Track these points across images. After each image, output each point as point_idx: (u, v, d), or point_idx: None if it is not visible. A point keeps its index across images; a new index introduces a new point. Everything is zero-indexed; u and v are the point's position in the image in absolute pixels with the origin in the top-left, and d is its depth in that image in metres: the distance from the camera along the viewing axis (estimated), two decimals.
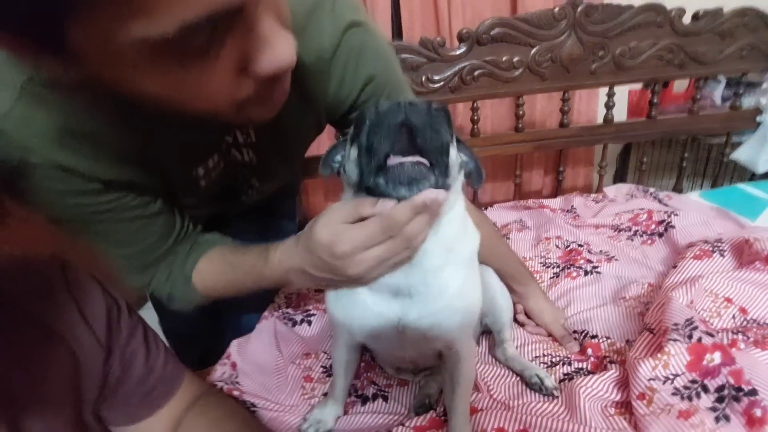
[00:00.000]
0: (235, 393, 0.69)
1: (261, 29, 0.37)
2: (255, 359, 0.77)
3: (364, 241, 0.46)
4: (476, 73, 1.16)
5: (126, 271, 0.63)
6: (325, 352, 0.81)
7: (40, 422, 0.43)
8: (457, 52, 1.13)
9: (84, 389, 0.48)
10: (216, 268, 0.64)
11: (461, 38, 1.13)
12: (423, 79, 1.16)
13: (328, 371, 0.77)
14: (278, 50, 0.39)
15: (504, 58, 1.14)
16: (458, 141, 0.54)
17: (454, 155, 0.50)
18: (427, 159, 0.44)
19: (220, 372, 0.78)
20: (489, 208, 1.30)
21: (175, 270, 0.64)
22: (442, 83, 1.16)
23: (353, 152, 0.48)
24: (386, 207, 0.45)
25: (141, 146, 0.53)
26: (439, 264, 0.52)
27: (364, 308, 0.55)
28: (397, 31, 1.70)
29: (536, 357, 0.74)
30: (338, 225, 0.48)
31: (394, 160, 0.44)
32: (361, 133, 0.46)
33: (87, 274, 0.52)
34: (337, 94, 0.64)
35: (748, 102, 1.36)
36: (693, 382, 0.57)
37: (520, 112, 1.24)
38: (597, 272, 0.94)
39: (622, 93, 1.78)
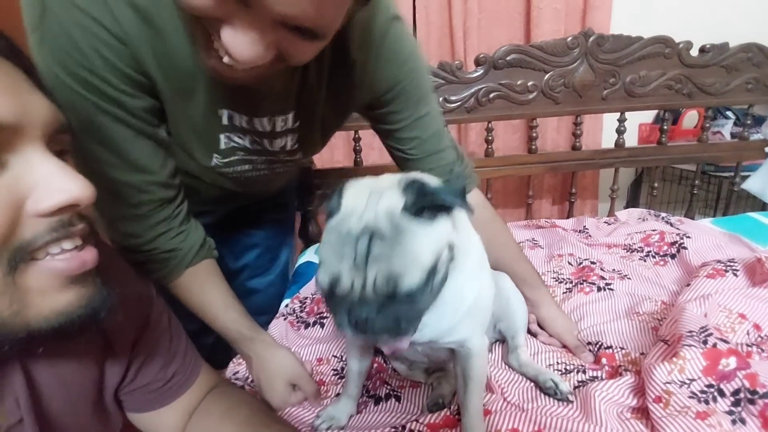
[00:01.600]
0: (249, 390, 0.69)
1: None
2: None
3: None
4: (492, 95, 1.21)
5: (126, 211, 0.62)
6: (336, 356, 0.81)
7: (65, 403, 0.44)
8: (474, 75, 1.19)
9: (108, 372, 0.49)
10: (206, 281, 0.69)
11: (478, 62, 1.19)
12: (440, 99, 1.21)
13: (339, 374, 0.77)
14: None
15: (519, 82, 1.20)
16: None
17: (440, 278, 0.45)
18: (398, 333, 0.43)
19: (233, 370, 0.79)
20: None
21: (184, 244, 0.66)
22: (458, 104, 1.21)
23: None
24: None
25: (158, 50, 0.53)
26: (453, 281, 0.51)
27: None
28: None
29: (550, 365, 0.74)
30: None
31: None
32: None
33: (120, 258, 0.55)
34: (375, 80, 0.66)
35: (756, 137, 1.39)
36: (709, 386, 0.57)
37: (534, 134, 1.28)
38: (610, 289, 0.95)
39: (632, 124, 1.84)
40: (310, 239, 1.29)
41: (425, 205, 0.42)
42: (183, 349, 0.59)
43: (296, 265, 1.17)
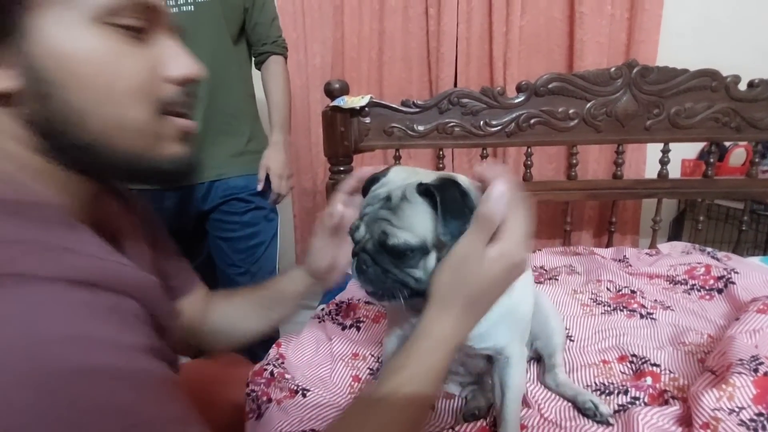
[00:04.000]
0: (287, 376, 0.71)
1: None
2: (304, 352, 0.81)
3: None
4: (532, 121, 1.24)
5: None
6: (373, 355, 0.83)
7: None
8: (516, 101, 1.23)
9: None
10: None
11: (520, 89, 1.23)
12: (481, 123, 1.25)
13: (374, 374, 0.78)
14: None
15: (560, 109, 1.22)
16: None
17: (433, 261, 0.48)
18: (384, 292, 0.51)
19: (269, 354, 0.81)
20: (536, 252, 1.31)
21: None
22: (499, 128, 1.24)
23: None
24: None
25: None
26: None
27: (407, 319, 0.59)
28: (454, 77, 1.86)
29: (588, 386, 0.73)
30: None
31: (363, 288, 0.52)
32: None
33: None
34: None
35: None
36: (759, 414, 0.55)
37: (574, 161, 1.29)
38: (652, 318, 0.92)
39: (675, 159, 1.80)
40: None
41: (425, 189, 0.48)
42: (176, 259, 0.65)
43: None
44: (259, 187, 1.22)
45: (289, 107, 1.25)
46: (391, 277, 0.49)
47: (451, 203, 0.46)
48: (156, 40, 0.41)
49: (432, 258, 0.48)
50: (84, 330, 0.28)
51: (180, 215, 1.19)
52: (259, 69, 1.27)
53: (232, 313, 0.67)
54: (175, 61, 0.42)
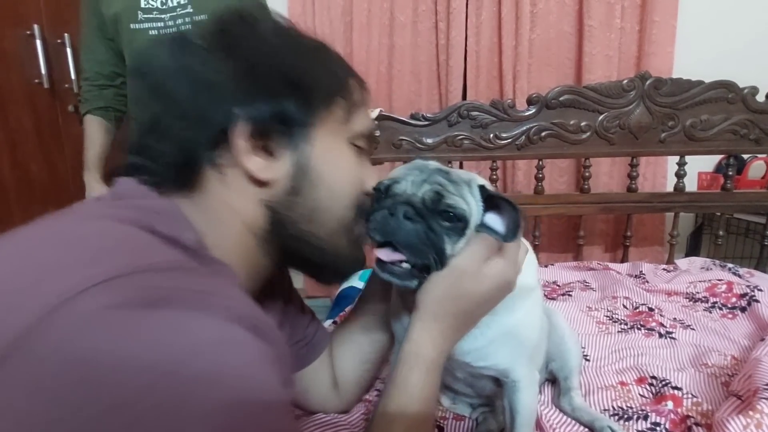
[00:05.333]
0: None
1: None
2: None
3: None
4: (543, 133, 1.22)
5: None
6: (380, 379, 0.80)
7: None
8: (526, 113, 1.21)
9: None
10: None
11: (530, 102, 1.21)
12: (491, 136, 1.23)
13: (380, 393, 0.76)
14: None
15: (572, 122, 1.20)
16: (493, 199, 0.50)
17: (464, 243, 0.48)
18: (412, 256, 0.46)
19: None
20: (549, 266, 1.28)
21: None
22: (509, 140, 1.23)
23: None
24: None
25: None
26: None
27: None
28: (463, 91, 1.86)
29: (605, 410, 0.69)
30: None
31: (378, 253, 0.47)
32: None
33: None
34: None
35: None
36: None
37: (587, 174, 1.26)
38: (672, 337, 0.89)
39: (691, 172, 1.76)
40: None
41: (490, 195, 0.49)
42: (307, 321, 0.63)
43: (340, 289, 1.18)
44: None
45: None
46: (432, 238, 0.46)
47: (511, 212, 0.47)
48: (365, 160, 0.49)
49: (464, 241, 0.47)
50: (255, 367, 0.29)
51: None
52: None
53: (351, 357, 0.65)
54: (371, 178, 0.48)
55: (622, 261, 1.33)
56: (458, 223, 0.46)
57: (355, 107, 0.46)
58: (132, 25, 1.09)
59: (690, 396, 0.67)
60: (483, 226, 0.48)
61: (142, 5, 1.09)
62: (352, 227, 0.46)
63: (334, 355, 0.64)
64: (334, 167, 0.44)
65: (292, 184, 0.42)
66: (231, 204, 0.41)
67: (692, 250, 1.86)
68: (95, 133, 1.17)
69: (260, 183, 0.41)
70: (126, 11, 1.08)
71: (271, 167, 0.41)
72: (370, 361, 0.64)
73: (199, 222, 0.39)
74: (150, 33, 1.10)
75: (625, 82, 1.18)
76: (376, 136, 0.49)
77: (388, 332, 0.62)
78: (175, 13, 1.11)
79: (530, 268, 0.57)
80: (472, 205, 0.47)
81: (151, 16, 1.10)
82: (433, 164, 0.50)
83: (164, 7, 1.10)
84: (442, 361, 0.47)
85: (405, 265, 0.46)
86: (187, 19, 1.12)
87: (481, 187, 0.49)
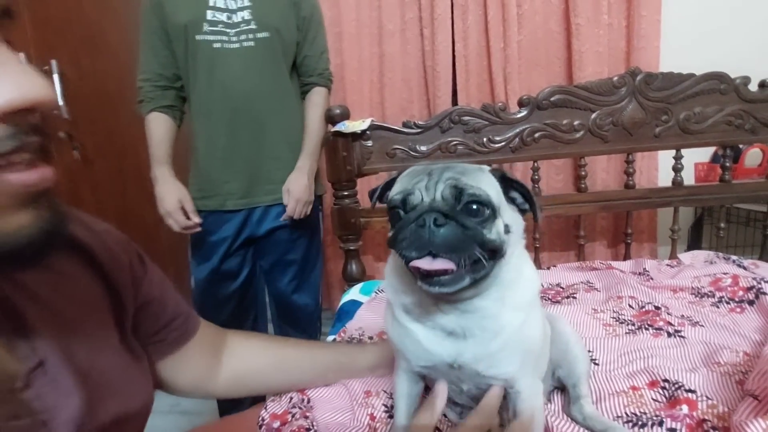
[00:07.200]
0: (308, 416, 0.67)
1: None
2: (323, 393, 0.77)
3: None
4: (536, 135, 1.21)
5: None
6: (386, 392, 0.78)
7: (86, 346, 0.44)
8: (518, 116, 1.20)
9: (125, 320, 0.51)
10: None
11: (522, 104, 1.20)
12: (485, 140, 1.22)
13: (389, 411, 0.74)
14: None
15: (564, 122, 1.19)
16: (512, 185, 0.51)
17: (501, 226, 0.49)
18: (456, 257, 0.44)
19: (288, 400, 0.76)
20: (551, 268, 1.26)
21: None
22: (503, 143, 1.21)
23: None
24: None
25: None
26: (495, 311, 0.52)
27: (416, 344, 0.55)
28: (454, 96, 1.86)
29: (618, 417, 0.67)
30: None
31: (419, 264, 0.44)
32: (392, 215, 0.49)
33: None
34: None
35: None
36: None
37: (582, 173, 1.25)
38: (681, 336, 0.87)
39: (687, 163, 1.76)
40: (352, 278, 1.29)
41: (504, 175, 0.50)
42: (175, 301, 0.61)
43: (340, 304, 1.16)
44: (282, 218, 1.28)
45: (321, 136, 1.30)
46: (469, 234, 0.45)
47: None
48: None
49: (500, 223, 0.47)
50: None
51: (233, 241, 1.28)
52: (302, 98, 1.34)
53: (272, 360, 0.67)
54: None
55: (625, 258, 1.31)
56: (486, 209, 0.46)
57: None
58: (197, 36, 1.11)
59: (705, 398, 0.65)
60: (512, 203, 0.51)
61: (208, 17, 1.11)
62: None
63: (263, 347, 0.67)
64: None
65: None
66: None
67: (694, 243, 1.85)
68: (162, 128, 1.21)
69: None
70: (192, 22, 1.11)
71: None
72: (293, 380, 0.68)
73: None
74: (214, 46, 1.13)
75: (615, 78, 1.17)
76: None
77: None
78: (239, 29, 1.14)
79: (532, 281, 0.56)
80: (492, 188, 0.48)
81: (216, 29, 1.12)
82: (435, 164, 0.50)
83: (230, 21, 1.13)
84: None
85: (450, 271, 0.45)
86: (250, 36, 1.15)
87: (493, 170, 0.51)
